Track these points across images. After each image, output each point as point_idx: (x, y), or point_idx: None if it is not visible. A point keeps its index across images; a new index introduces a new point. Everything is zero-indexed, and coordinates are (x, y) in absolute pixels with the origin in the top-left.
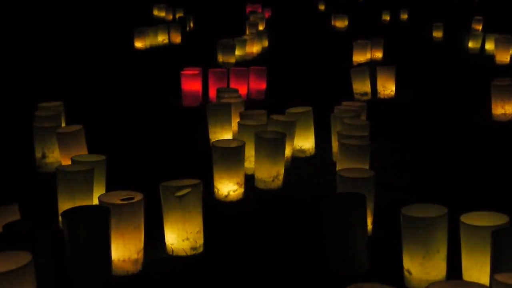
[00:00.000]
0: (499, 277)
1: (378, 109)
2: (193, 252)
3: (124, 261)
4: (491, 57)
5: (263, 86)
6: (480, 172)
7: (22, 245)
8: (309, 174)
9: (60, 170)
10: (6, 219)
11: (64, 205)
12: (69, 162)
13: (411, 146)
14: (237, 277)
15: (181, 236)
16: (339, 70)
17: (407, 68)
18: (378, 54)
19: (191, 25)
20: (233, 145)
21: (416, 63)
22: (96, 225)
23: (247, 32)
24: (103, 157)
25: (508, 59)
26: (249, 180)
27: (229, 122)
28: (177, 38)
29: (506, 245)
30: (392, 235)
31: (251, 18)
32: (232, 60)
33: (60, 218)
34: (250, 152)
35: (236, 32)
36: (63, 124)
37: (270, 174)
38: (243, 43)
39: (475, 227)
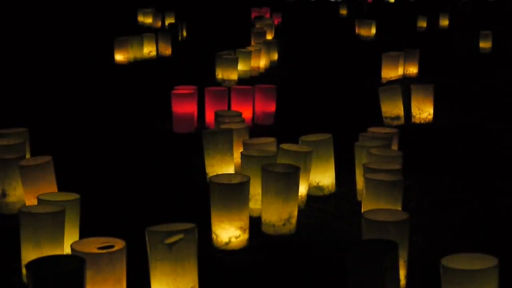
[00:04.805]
0: None
1: (412, 136)
2: None
3: None
4: None
5: (271, 108)
6: None
7: None
8: (329, 217)
9: (23, 212)
10: None
11: (28, 254)
12: (35, 202)
13: (453, 182)
14: None
15: None
16: (365, 89)
17: (447, 87)
18: (413, 69)
19: (184, 33)
20: (235, 180)
21: (458, 80)
22: (68, 279)
23: (252, 42)
24: (76, 196)
25: None
26: (254, 224)
27: (230, 152)
28: (166, 50)
29: None
30: None
31: (257, 25)
32: (234, 76)
33: (23, 271)
34: (256, 190)
35: (238, 42)
36: (28, 155)
37: (280, 216)
38: (247, 56)
39: None
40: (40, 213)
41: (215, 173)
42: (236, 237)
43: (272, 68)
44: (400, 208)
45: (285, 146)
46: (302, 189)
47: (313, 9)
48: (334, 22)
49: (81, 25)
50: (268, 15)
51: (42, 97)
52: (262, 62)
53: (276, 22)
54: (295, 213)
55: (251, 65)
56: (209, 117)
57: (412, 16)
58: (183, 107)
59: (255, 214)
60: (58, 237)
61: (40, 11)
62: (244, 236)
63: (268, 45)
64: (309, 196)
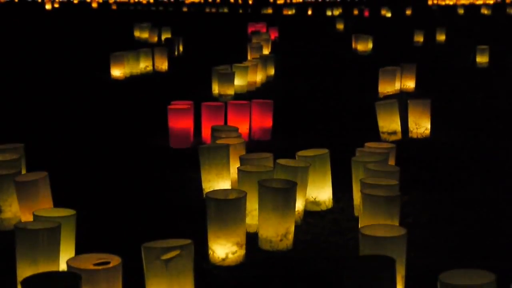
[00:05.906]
0: None
1: (409, 151)
2: None
3: None
4: None
5: (268, 123)
6: None
7: None
8: (326, 232)
9: (19, 228)
10: None
11: (24, 271)
12: (31, 218)
13: (450, 198)
14: None
15: None
16: (362, 104)
17: (445, 101)
18: (410, 84)
19: (180, 48)
20: (232, 196)
21: (456, 94)
22: None
23: (249, 57)
24: (72, 212)
25: None
26: (251, 240)
27: (226, 168)
28: (163, 65)
29: None
30: None
31: (254, 39)
32: (231, 91)
33: (19, 287)
34: (252, 205)
35: (235, 57)
36: (24, 171)
37: (277, 232)
38: (244, 71)
39: None
40: (35, 229)
41: (211, 189)
42: (233, 253)
43: (268, 83)
44: (397, 224)
45: (282, 161)
46: (299, 205)
47: (309, 24)
48: (330, 37)
49: (77, 40)
50: (264, 30)
51: (38, 112)
52: (258, 77)
53: (272, 37)
54: (292, 228)
55: (248, 80)
56: (206, 132)
57: (409, 31)
58: (180, 122)
59: (252, 229)
60: (54, 253)
61: (36, 26)
62: (241, 252)
63: (264, 60)
64: (306, 211)
